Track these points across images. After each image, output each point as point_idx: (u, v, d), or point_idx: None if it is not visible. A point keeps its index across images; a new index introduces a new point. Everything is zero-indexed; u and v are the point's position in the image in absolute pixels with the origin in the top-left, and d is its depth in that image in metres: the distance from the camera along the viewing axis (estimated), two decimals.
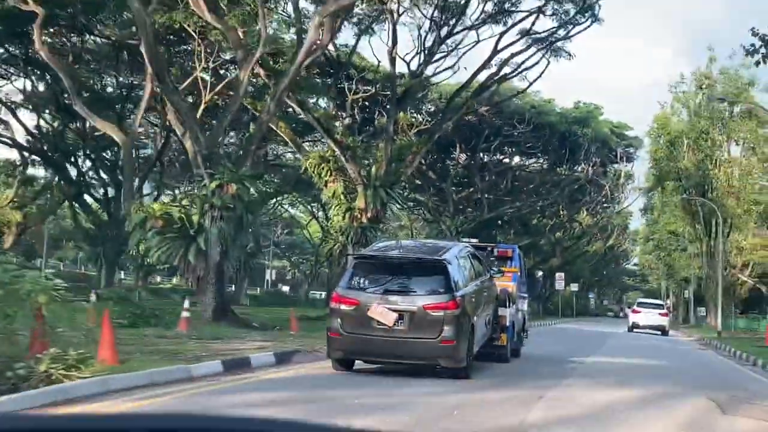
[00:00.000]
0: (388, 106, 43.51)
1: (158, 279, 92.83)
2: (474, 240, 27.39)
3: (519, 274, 23.93)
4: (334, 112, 45.92)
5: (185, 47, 43.03)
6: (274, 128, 42.50)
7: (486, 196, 68.17)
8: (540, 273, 72.79)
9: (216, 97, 40.22)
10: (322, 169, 40.80)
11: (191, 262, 28.90)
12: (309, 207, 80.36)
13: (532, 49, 43.22)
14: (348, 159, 40.44)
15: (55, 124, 53.99)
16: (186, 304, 25.56)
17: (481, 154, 69.26)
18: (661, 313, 56.35)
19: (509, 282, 22.07)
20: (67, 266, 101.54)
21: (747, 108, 62.37)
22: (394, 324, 15.68)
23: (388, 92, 43.16)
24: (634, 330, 53.74)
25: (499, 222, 76.49)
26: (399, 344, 16.01)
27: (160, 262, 30.22)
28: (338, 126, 44.91)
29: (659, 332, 52.43)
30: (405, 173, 42.28)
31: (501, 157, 72.86)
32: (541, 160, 74.72)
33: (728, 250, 65.17)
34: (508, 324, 20.77)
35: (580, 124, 65.81)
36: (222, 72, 43.19)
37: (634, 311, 58.21)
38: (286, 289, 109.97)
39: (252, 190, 31.55)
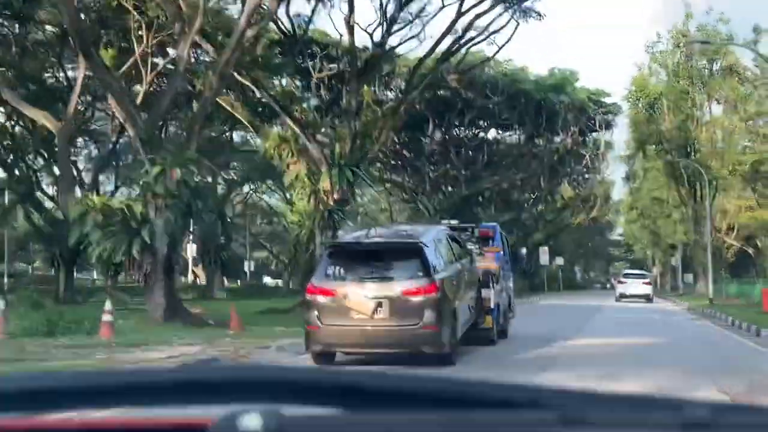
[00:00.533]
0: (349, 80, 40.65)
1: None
2: (454, 221, 26.35)
3: (501, 252, 23.64)
4: (293, 89, 42.89)
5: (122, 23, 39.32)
6: (231, 110, 39.90)
7: (463, 172, 65.70)
8: (524, 249, 70.63)
9: (160, 78, 37.29)
10: (283, 150, 38.02)
11: (136, 257, 26.10)
12: (285, 194, 77.44)
13: (499, 9, 40.07)
14: (310, 138, 37.76)
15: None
16: (107, 306, 22.04)
17: (456, 130, 66.81)
18: (645, 282, 60.71)
19: (492, 262, 21.62)
20: (40, 268, 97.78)
21: (727, 65, 59.90)
22: (373, 313, 15.20)
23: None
24: (622, 299, 56.91)
25: (480, 198, 74.06)
26: (379, 333, 15.53)
27: (101, 260, 27.24)
28: (304, 107, 42.04)
29: (644, 299, 56.31)
30: (372, 150, 39.47)
31: (476, 131, 70.27)
32: (518, 132, 71.72)
33: (714, 214, 62.67)
34: (492, 306, 20.14)
35: (556, 91, 63.02)
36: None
37: (620, 282, 63.14)
38: (268, 280, 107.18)
39: (210, 175, 28.54)
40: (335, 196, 37.59)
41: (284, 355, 17.66)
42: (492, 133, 72.76)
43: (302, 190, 38.29)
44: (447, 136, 65.32)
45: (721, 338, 25.88)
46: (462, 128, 67.73)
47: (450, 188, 67.68)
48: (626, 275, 64.98)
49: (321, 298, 15.71)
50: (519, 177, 72.84)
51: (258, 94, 38.53)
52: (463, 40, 40.63)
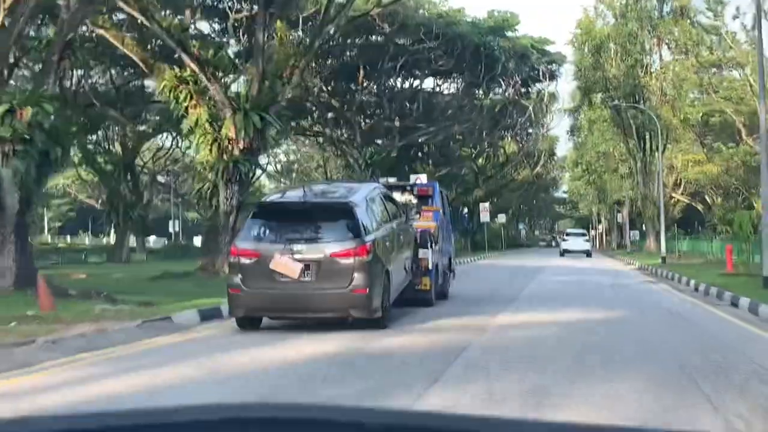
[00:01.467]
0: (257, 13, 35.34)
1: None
2: (392, 179, 25.23)
3: (441, 212, 22.27)
4: (189, 23, 37.35)
5: None
6: (121, 47, 34.56)
7: (397, 124, 60.56)
8: (465, 210, 66.35)
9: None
10: (180, 92, 32.69)
11: None
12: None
13: None
14: (210, 78, 32.54)
15: None
16: None
17: (391, 80, 61.86)
18: (585, 240, 69.94)
19: (430, 222, 20.47)
20: None
21: (679, 5, 55.36)
22: (300, 275, 14.05)
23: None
24: (566, 254, 63.59)
25: (419, 154, 69.71)
26: (307, 297, 14.36)
27: None
28: (202, 43, 36.72)
29: (584, 254, 63.22)
30: (283, 93, 34.25)
31: (411, 80, 65.03)
32: (457, 81, 66.73)
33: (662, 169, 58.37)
34: (430, 267, 19.09)
35: (495, 35, 58.00)
36: None
37: (564, 240, 72.24)
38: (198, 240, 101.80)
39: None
40: (241, 144, 32.63)
41: (52, 354, 11.83)
42: (429, 83, 67.35)
43: (203, 138, 33.09)
44: (379, 86, 59.93)
45: (690, 311, 19.73)
46: (396, 77, 62.39)
47: (382, 141, 62.21)
48: (568, 234, 74.37)
49: (245, 260, 14.53)
50: (458, 130, 67.84)
51: (147, 24, 32.90)
52: None
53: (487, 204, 68.84)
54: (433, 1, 55.25)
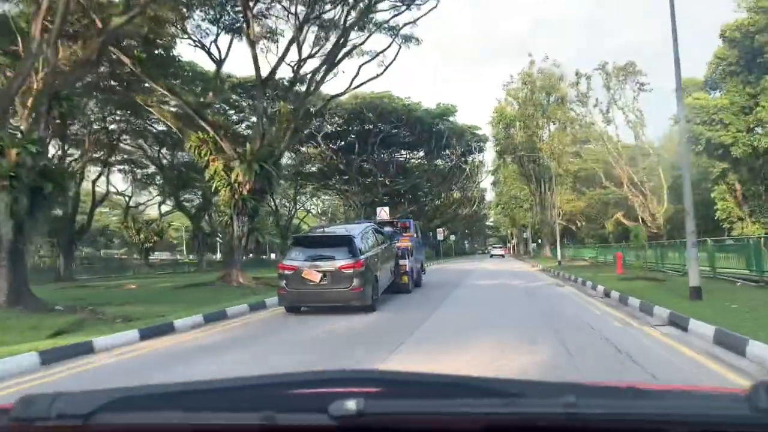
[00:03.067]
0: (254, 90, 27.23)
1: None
2: (386, 208, 25.84)
3: (415, 236, 21.19)
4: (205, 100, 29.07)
5: None
6: (160, 117, 26.64)
7: (383, 179, 52.40)
8: (437, 233, 58.48)
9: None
10: (202, 149, 24.70)
11: None
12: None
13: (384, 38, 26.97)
14: (222, 138, 24.50)
15: None
16: None
17: (376, 154, 54.28)
18: (503, 249, 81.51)
19: (408, 242, 18.90)
20: None
21: (560, 95, 46.95)
22: (320, 281, 12.83)
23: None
24: (492, 257, 65.69)
25: (396, 198, 61.63)
26: (324, 294, 12.90)
27: None
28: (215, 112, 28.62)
29: (502, 256, 67.11)
30: (278, 147, 25.95)
31: (390, 152, 56.75)
32: (420, 152, 58.80)
33: (552, 203, 49.56)
34: (408, 270, 17.73)
35: (441, 118, 49.71)
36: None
37: (492, 249, 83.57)
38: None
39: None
40: (247, 187, 24.54)
41: None
42: (403, 153, 59.23)
43: (220, 183, 24.94)
44: (369, 157, 51.74)
45: (600, 319, 10.60)
46: (381, 152, 54.49)
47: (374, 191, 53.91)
48: (493, 247, 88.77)
49: (287, 272, 13.00)
50: (422, 185, 60.94)
51: (173, 102, 24.97)
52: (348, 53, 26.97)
53: (442, 228, 60.81)
54: (400, 96, 47.14)
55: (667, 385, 2.55)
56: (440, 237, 59.84)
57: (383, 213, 29.00)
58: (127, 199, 48.15)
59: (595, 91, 48.48)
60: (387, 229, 18.84)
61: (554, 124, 49.04)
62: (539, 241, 67.74)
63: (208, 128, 24.45)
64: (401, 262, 17.49)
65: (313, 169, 56.48)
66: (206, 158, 25.22)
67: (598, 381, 2.63)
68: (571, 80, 47.63)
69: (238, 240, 25.24)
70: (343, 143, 52.56)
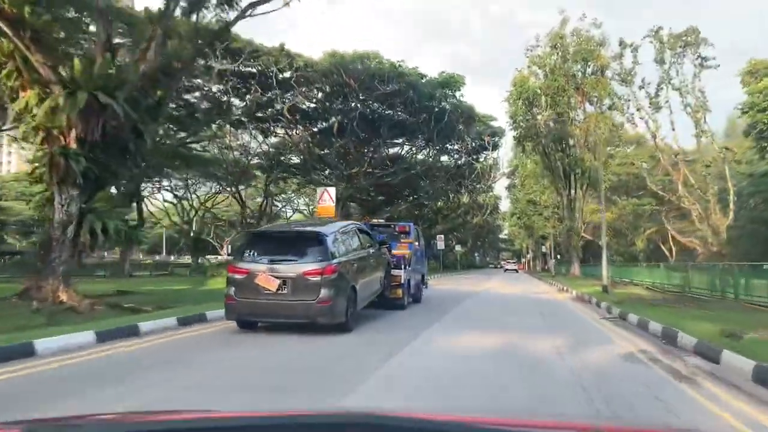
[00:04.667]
0: None
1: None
2: (381, 219, 21.25)
3: (415, 243, 16.87)
4: None
5: None
6: None
7: (362, 166, 41.03)
8: (436, 242, 47.35)
9: None
10: (4, 69, 13.73)
11: None
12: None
13: None
14: (29, 46, 13.45)
15: None
16: None
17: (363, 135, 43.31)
18: (517, 265, 75.84)
19: (406, 250, 15.62)
20: None
21: (600, 66, 35.05)
22: (278, 289, 9.70)
23: None
24: (505, 271, 62.46)
25: (394, 196, 50.38)
26: (282, 306, 9.74)
27: None
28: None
29: (515, 271, 63.64)
30: (136, 70, 14.66)
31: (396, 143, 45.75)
32: (420, 141, 47.36)
33: (582, 207, 37.64)
34: (403, 282, 14.51)
35: (443, 87, 37.90)
36: None
37: (505, 264, 77.99)
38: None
39: None
40: (73, 134, 13.63)
41: None
42: (398, 140, 47.81)
43: (32, 126, 13.89)
44: (350, 139, 40.48)
45: None
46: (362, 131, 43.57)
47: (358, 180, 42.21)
48: (506, 261, 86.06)
49: (237, 276, 10.01)
50: (425, 185, 49.49)
51: None
52: None
53: (441, 235, 49.00)
54: (392, 60, 35.64)
55: None
56: (440, 246, 48.03)
57: (326, 195, 18.36)
58: None
59: (643, 67, 36.65)
60: (380, 234, 15.15)
61: (591, 104, 36.97)
62: (558, 257, 56.18)
63: (2, 26, 13.45)
64: (395, 272, 14.39)
65: (295, 159, 45.34)
66: (9, 84, 14.35)
67: None
68: (613, 51, 36.02)
69: (61, 227, 14.19)
70: (325, 125, 41.43)
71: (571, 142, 36.23)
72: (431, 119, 38.70)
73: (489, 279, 40.11)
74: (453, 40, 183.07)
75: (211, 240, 57.91)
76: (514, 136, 38.10)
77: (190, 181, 48.06)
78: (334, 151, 39.93)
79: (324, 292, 9.56)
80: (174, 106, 36.63)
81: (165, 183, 46.42)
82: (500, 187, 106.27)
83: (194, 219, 51.60)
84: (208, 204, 51.98)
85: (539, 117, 35.14)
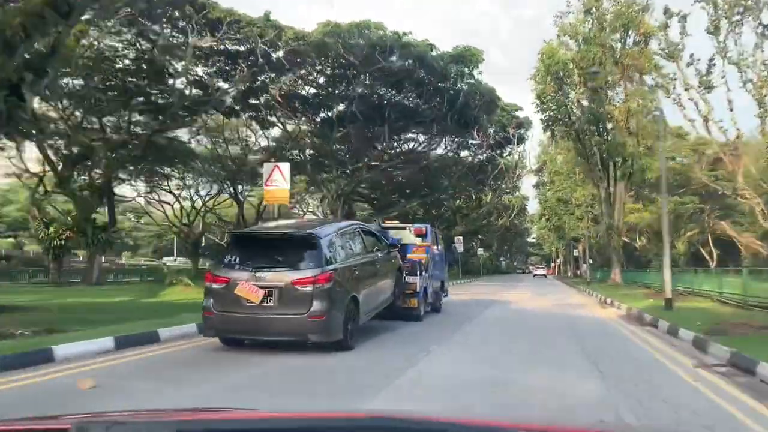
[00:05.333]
0: None
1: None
2: (395, 221, 17.44)
3: (435, 248, 15.26)
4: None
5: None
6: None
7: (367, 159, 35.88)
8: (455, 245, 41.92)
9: None
10: None
11: None
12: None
13: None
14: None
15: None
16: None
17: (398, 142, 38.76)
18: (546, 270, 77.72)
19: (422, 254, 13.79)
20: None
21: (643, 33, 29.16)
22: (262, 301, 8.00)
23: None
24: (534, 276, 64.30)
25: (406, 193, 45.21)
26: (268, 321, 8.07)
27: None
28: None
29: (544, 276, 64.96)
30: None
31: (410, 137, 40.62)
32: (442, 140, 42.32)
33: (624, 202, 31.65)
34: (418, 290, 12.82)
35: (459, 64, 32.23)
36: None
37: (534, 269, 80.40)
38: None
39: None
40: None
41: None
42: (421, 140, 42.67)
43: None
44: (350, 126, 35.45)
45: None
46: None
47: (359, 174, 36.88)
48: (535, 266, 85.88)
49: (216, 286, 8.34)
50: (445, 183, 45.07)
51: None
52: None
53: (461, 237, 43.33)
54: (397, 31, 30.31)
55: None
56: (459, 248, 42.45)
57: (277, 173, 13.54)
58: None
59: (692, 39, 30.70)
60: (393, 237, 12.95)
61: (631, 81, 31.01)
62: (591, 261, 50.17)
63: None
64: (410, 279, 12.55)
65: (301, 154, 40.42)
66: None
67: None
68: (658, 22, 30.15)
69: None
70: (329, 114, 36.47)
71: (609, 126, 30.39)
72: (445, 102, 33.35)
73: (514, 286, 34.64)
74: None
75: (218, 241, 53.21)
76: (541, 119, 32.20)
77: (187, 180, 43.42)
78: (334, 142, 34.77)
79: (317, 305, 8.01)
80: (155, 92, 32.38)
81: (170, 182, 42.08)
82: (527, 186, 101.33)
83: (193, 221, 46.90)
84: (211, 203, 47.21)
85: (572, 94, 29.23)
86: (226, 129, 40.34)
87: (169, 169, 39.69)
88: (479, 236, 70.39)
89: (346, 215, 35.82)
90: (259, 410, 1.69)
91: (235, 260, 8.50)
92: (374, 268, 10.19)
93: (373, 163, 36.49)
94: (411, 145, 44.16)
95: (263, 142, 40.92)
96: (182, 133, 40.31)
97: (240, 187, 45.20)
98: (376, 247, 10.72)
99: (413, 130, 40.02)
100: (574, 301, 20.55)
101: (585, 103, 29.19)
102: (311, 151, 36.54)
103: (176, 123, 33.50)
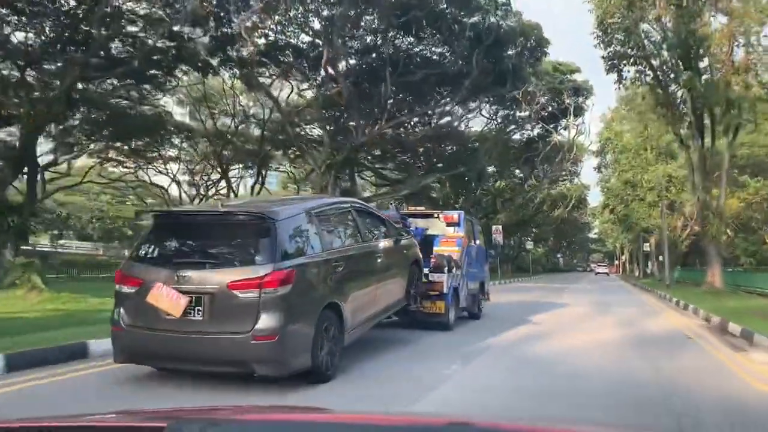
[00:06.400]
0: None
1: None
2: (420, 208, 14.55)
3: (465, 238, 11.52)
4: None
5: None
6: None
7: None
8: (494, 235, 32.99)
9: None
10: None
11: None
12: None
13: None
14: None
15: None
16: None
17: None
18: (608, 268, 76.28)
19: (453, 247, 10.84)
20: None
21: None
22: (186, 313, 5.31)
23: None
24: (596, 274, 64.11)
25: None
26: (193, 343, 5.33)
27: None
28: None
29: (606, 274, 64.22)
30: None
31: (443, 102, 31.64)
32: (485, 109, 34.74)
33: (727, 167, 21.73)
34: (445, 290, 9.94)
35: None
36: None
37: (596, 267, 79.85)
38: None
39: None
40: None
41: None
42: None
43: None
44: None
45: None
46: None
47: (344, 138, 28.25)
48: (598, 264, 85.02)
49: (127, 290, 5.65)
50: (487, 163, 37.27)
51: None
52: None
53: (499, 226, 34.19)
54: None
55: None
56: (498, 239, 33.38)
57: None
58: None
59: None
60: (418, 225, 10.66)
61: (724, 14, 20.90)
62: (660, 258, 40.19)
63: None
64: (435, 277, 9.87)
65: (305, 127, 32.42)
66: None
67: None
68: None
69: None
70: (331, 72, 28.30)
71: (702, 64, 20.62)
72: (475, 47, 24.54)
73: (564, 290, 25.65)
74: None
75: None
76: (603, 57, 22.27)
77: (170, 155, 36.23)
78: (323, 99, 26.32)
79: (266, 319, 5.18)
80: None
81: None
82: (587, 172, 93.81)
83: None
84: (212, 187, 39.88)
85: (649, 15, 19.43)
86: (218, 97, 32.99)
87: (140, 142, 32.60)
88: (533, 228, 61.00)
89: (344, 192, 27.68)
90: (336, 412, 1.70)
91: (153, 252, 5.77)
92: (373, 261, 7.18)
93: (384, 129, 27.86)
94: (447, 119, 35.86)
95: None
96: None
97: (237, 168, 37.80)
98: (378, 234, 7.73)
99: (439, 91, 31.08)
100: (664, 326, 11.55)
101: (668, 23, 19.44)
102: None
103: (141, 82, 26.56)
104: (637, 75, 20.92)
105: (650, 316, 13.50)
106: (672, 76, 20.41)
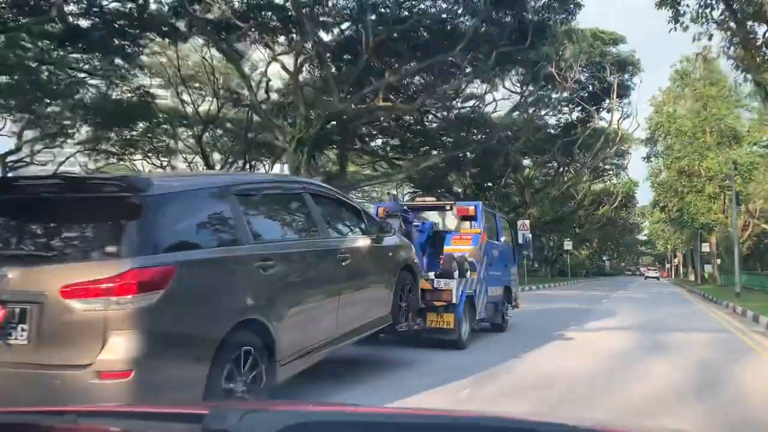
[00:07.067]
0: None
1: None
2: (430, 198, 12.66)
3: (483, 236, 9.17)
4: None
5: None
6: None
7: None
8: (521, 231, 27.48)
9: None
10: None
11: None
12: None
13: None
14: None
15: None
16: None
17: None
18: (656, 272, 71.83)
19: (467, 245, 8.70)
20: None
21: None
22: (3, 332, 2.55)
23: None
24: (646, 278, 61.41)
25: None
26: (11, 381, 2.52)
27: None
28: None
29: (657, 279, 61.76)
30: None
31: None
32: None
33: None
34: (454, 300, 7.78)
35: None
36: None
37: (646, 271, 76.40)
38: None
39: None
40: None
41: None
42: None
43: None
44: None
45: None
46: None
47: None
48: (647, 267, 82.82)
49: None
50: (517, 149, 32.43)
51: None
52: None
53: (526, 221, 28.47)
54: None
55: None
56: (528, 235, 27.78)
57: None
58: None
59: None
60: (424, 221, 9.16)
61: None
62: (719, 260, 33.58)
63: None
64: (442, 284, 7.80)
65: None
66: None
67: None
68: None
69: None
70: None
71: None
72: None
73: (602, 300, 20.00)
74: None
75: None
76: (656, 3, 16.27)
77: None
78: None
79: (115, 345, 2.89)
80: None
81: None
82: (635, 166, 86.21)
83: None
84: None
85: None
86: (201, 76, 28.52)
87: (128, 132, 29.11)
88: (575, 228, 54.58)
89: (329, 177, 22.65)
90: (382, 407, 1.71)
91: None
92: (334, 264, 5.00)
93: (381, 103, 22.59)
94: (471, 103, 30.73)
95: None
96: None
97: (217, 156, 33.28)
98: (349, 229, 5.84)
99: (452, 58, 25.43)
100: None
101: None
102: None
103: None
104: (701, 7, 15.03)
105: (740, 356, 7.80)
106: (750, 10, 14.53)
